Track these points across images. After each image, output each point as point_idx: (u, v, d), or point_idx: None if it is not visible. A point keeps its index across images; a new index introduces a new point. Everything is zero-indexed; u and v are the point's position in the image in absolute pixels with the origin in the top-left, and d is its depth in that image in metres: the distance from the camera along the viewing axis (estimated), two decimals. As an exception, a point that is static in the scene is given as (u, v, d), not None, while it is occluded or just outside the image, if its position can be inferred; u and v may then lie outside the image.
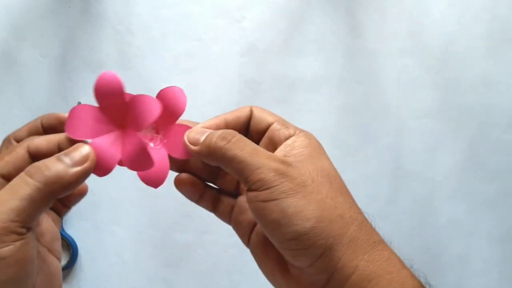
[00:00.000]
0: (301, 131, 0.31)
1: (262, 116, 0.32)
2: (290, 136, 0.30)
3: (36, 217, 0.26)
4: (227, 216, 0.34)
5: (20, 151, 0.28)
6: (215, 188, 0.34)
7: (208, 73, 0.58)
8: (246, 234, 0.33)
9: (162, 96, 0.33)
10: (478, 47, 0.59)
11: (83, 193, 0.36)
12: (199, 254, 0.55)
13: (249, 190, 0.27)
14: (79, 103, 0.60)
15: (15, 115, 0.57)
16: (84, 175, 0.28)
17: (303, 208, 0.26)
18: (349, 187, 0.30)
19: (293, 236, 0.26)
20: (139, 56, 0.58)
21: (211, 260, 0.55)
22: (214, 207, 0.34)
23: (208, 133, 0.30)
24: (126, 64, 0.58)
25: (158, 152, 0.32)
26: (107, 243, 0.56)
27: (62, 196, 0.27)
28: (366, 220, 0.28)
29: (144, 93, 0.34)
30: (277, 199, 0.26)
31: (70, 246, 0.54)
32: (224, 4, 0.59)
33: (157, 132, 0.33)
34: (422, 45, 0.59)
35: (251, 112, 0.32)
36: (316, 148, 0.30)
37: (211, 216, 0.56)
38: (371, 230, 0.28)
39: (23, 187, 0.25)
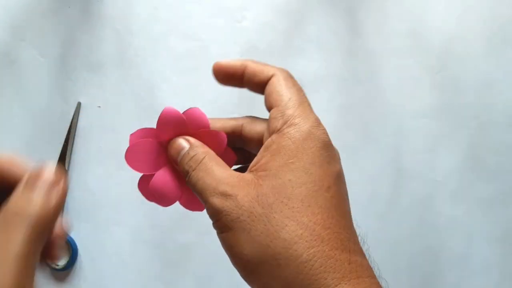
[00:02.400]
0: (290, 124, 0.26)
1: (272, 92, 0.28)
2: (275, 131, 0.26)
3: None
4: None
5: None
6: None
7: (208, 73, 0.58)
8: None
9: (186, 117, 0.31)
10: (478, 46, 0.59)
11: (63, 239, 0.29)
12: (199, 254, 0.55)
13: None
14: (79, 103, 0.60)
15: (15, 115, 0.57)
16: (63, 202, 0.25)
17: (234, 245, 0.25)
18: (349, 187, 0.28)
19: (236, 268, 0.26)
20: (139, 56, 0.58)
21: (211, 260, 0.55)
22: None
23: (182, 153, 0.28)
24: (126, 64, 0.58)
25: None
26: (107, 243, 0.56)
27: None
28: (318, 257, 0.23)
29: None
30: (219, 233, 0.26)
31: (70, 246, 0.54)
32: (224, 4, 0.59)
33: None
34: (422, 45, 0.59)
35: (271, 78, 0.28)
36: (286, 156, 0.25)
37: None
38: (319, 271, 0.23)
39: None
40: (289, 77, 0.29)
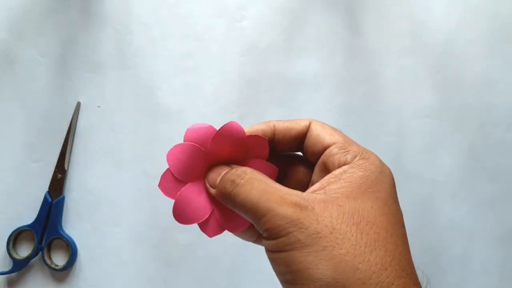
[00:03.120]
0: (362, 157, 0.26)
1: (320, 135, 0.28)
2: (344, 164, 0.26)
3: None
4: None
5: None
6: None
7: (208, 73, 0.58)
8: None
9: (220, 136, 0.29)
10: (479, 46, 0.59)
11: None
12: (199, 254, 0.55)
13: (263, 237, 0.24)
14: (79, 103, 0.60)
15: (14, 115, 0.57)
16: None
17: (310, 265, 0.21)
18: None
19: None
20: (139, 55, 0.58)
21: (211, 260, 0.55)
22: None
23: (223, 173, 0.26)
24: (126, 63, 0.58)
25: None
26: (107, 243, 0.55)
27: None
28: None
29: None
30: (281, 252, 0.22)
31: (69, 247, 0.54)
32: (223, 3, 0.59)
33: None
34: (422, 44, 0.59)
35: (309, 127, 0.28)
36: (364, 185, 0.24)
37: (211, 216, 0.56)
38: None
39: None
40: (323, 122, 0.29)
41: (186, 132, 0.28)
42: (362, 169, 0.25)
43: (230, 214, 0.28)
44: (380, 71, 0.58)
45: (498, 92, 0.58)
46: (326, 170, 0.27)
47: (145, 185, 0.56)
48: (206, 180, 0.27)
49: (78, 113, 0.57)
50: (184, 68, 0.58)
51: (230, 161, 0.29)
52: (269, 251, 0.24)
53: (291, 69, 0.58)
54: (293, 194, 0.24)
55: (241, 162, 0.29)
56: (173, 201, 0.29)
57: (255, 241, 0.30)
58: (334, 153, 0.26)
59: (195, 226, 0.55)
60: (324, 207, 0.23)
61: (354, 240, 0.22)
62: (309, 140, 0.28)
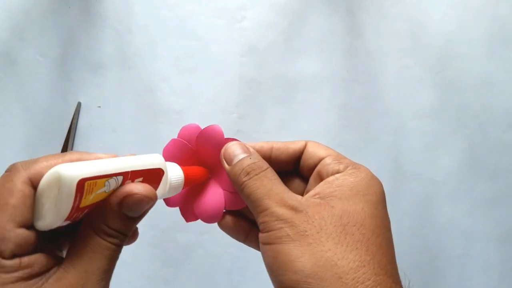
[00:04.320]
0: (354, 167, 0.29)
1: (314, 150, 0.30)
2: (337, 173, 0.28)
3: None
4: None
5: (19, 185, 0.24)
6: None
7: (208, 73, 0.58)
8: None
9: (202, 136, 0.32)
10: (478, 47, 0.59)
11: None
12: (199, 254, 0.55)
13: (259, 231, 0.27)
14: (79, 103, 0.60)
15: (15, 115, 0.57)
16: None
17: (294, 258, 0.24)
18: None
19: (281, 286, 0.24)
20: (139, 55, 0.58)
21: (211, 260, 0.55)
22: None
23: (241, 158, 0.29)
24: (126, 64, 0.58)
25: (215, 190, 0.33)
26: (107, 243, 0.56)
27: None
28: (383, 286, 0.24)
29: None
30: (271, 244, 0.25)
31: (70, 246, 0.54)
32: (224, 4, 0.59)
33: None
34: (422, 45, 0.59)
35: (305, 146, 0.31)
36: (355, 189, 0.27)
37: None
38: None
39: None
40: (319, 143, 0.32)
41: (180, 130, 0.32)
42: (353, 176, 0.28)
43: (206, 207, 0.32)
44: (380, 71, 0.58)
45: (498, 92, 0.58)
46: (320, 178, 0.29)
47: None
48: (223, 152, 0.30)
49: (78, 113, 0.57)
50: (184, 68, 0.58)
51: (213, 162, 0.32)
52: (262, 244, 0.26)
53: (291, 69, 0.58)
54: (293, 199, 0.27)
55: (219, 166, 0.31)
56: None
57: (244, 241, 0.32)
58: (328, 163, 0.29)
59: (196, 227, 0.55)
60: (316, 210, 0.26)
61: (337, 239, 0.25)
62: (305, 156, 0.31)
